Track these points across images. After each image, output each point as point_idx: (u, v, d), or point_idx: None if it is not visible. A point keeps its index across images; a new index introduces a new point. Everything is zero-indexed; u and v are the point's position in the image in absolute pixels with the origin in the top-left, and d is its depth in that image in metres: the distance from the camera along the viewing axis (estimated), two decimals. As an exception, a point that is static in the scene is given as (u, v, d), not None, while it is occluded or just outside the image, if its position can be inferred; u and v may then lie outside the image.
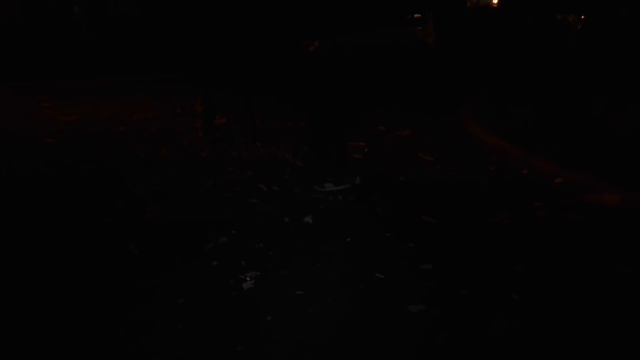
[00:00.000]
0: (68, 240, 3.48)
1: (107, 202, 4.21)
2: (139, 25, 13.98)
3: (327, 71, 4.36)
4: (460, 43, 15.09)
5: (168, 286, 2.86)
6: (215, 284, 2.89)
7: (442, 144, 5.77)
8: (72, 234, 3.59)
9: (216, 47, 5.50)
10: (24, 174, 4.93)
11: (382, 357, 2.26)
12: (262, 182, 4.59)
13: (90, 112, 7.96)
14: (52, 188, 4.58)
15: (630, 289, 2.78)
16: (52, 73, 11.73)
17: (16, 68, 11.89)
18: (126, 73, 12.22)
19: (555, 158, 4.89)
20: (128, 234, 3.55)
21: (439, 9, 14.39)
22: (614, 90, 7.37)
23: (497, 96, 8.14)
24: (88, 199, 4.27)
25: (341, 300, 2.70)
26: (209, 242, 3.42)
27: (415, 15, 14.01)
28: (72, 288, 2.89)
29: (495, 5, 18.43)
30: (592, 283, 2.84)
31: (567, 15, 14.74)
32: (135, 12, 14.22)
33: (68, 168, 5.13)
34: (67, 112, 7.93)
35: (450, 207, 3.95)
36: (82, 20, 14.72)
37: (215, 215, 3.88)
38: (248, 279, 2.93)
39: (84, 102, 8.86)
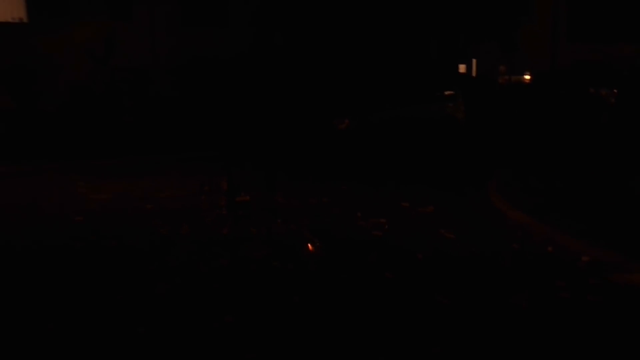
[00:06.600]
0: (78, 319, 3.49)
1: (122, 278, 4.24)
2: (175, 107, 14.64)
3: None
4: (491, 118, 15.12)
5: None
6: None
7: (466, 220, 5.65)
8: (84, 312, 3.60)
9: (246, 126, 5.67)
10: (49, 252, 5.04)
11: None
12: (278, 260, 4.55)
13: (123, 190, 8.18)
14: (73, 264, 4.65)
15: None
16: (91, 152, 12.23)
17: (58, 148, 12.46)
18: (162, 152, 12.64)
19: (582, 234, 4.70)
20: (137, 311, 3.54)
21: (470, 86, 14.57)
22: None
23: (524, 170, 8.02)
24: (104, 275, 4.32)
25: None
26: (215, 320, 3.37)
27: (447, 93, 14.20)
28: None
29: (527, 81, 18.56)
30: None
31: (600, 89, 14.70)
32: (174, 95, 14.93)
33: (91, 244, 5.22)
34: (99, 191, 8.18)
35: (467, 287, 3.81)
36: (125, 104, 15.57)
37: (225, 294, 3.84)
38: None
39: (118, 181, 9.14)
